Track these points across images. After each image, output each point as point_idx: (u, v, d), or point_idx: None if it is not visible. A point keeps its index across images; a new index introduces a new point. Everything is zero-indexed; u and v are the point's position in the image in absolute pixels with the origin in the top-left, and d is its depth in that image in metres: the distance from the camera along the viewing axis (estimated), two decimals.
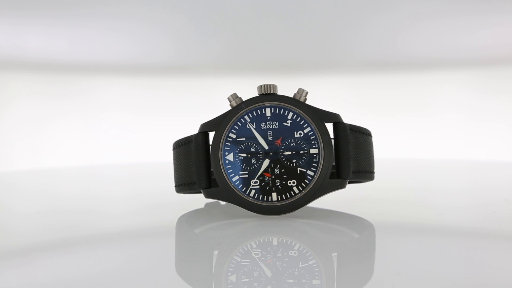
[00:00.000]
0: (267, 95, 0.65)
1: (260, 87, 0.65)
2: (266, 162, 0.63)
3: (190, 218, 0.70)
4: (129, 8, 1.62)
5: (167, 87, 1.69)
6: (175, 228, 0.66)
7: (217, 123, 0.64)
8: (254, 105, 0.64)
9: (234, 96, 0.65)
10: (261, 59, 1.69)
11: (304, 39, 1.68)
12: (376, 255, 0.54)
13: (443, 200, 0.83)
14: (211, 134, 0.66)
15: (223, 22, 1.66)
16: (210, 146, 0.65)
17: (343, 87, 1.65)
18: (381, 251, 0.55)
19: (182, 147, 0.67)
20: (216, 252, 0.55)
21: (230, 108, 0.65)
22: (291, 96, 0.65)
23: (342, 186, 0.65)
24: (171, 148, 0.71)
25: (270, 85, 0.65)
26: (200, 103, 1.69)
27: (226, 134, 0.64)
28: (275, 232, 0.61)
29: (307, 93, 0.65)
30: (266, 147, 0.64)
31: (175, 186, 0.70)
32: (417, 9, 1.62)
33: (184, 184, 0.67)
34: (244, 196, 0.63)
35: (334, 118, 0.65)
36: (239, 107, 0.64)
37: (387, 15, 1.63)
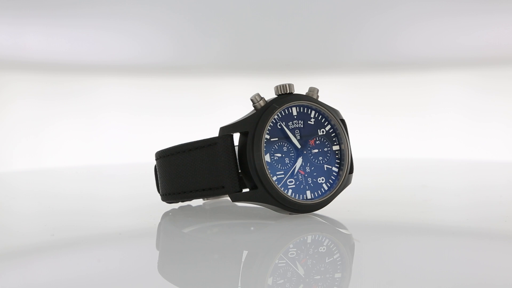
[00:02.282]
0: (288, 95, 0.64)
1: (278, 87, 0.64)
2: (300, 161, 0.64)
3: (195, 218, 0.70)
4: (129, 8, 1.62)
5: (167, 87, 1.69)
6: (179, 229, 0.66)
7: (247, 124, 0.62)
8: (286, 105, 0.63)
9: (259, 97, 0.63)
10: (261, 59, 1.69)
11: (304, 39, 1.68)
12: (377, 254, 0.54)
13: (442, 200, 0.83)
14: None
15: (223, 22, 1.66)
16: (241, 148, 0.62)
17: (343, 87, 1.65)
18: (382, 251, 0.55)
19: (199, 150, 0.63)
20: (246, 254, 0.55)
21: (253, 108, 0.63)
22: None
23: (350, 181, 0.67)
24: (163, 155, 0.66)
25: (289, 84, 0.64)
26: (200, 103, 1.69)
27: (264, 134, 0.62)
28: (306, 230, 0.62)
29: (318, 90, 0.66)
30: (299, 146, 0.64)
31: (176, 193, 0.65)
32: (417, 9, 1.62)
33: (202, 190, 0.63)
34: (287, 196, 0.61)
35: (339, 115, 0.67)
36: (273, 107, 0.62)
37: (387, 15, 1.63)
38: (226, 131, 0.62)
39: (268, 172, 0.61)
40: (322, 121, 0.65)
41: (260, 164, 0.60)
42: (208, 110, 1.66)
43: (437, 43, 1.65)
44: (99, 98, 1.66)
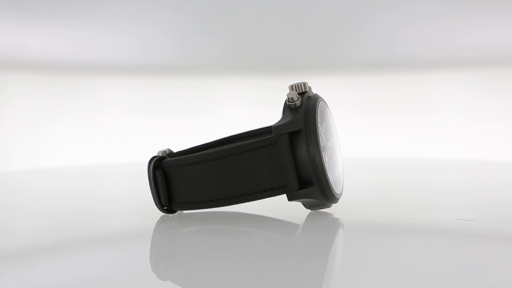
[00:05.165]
0: (305, 93, 0.64)
1: (294, 86, 0.63)
2: (326, 156, 0.63)
3: (201, 219, 0.70)
4: (129, 8, 1.62)
5: (167, 87, 1.69)
6: (184, 229, 0.66)
7: (299, 122, 0.60)
8: (318, 102, 0.63)
9: (296, 96, 0.62)
10: (261, 59, 1.69)
11: (304, 39, 1.68)
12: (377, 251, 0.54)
13: (442, 201, 0.83)
14: None
15: (223, 22, 1.66)
16: (301, 146, 0.60)
17: (343, 87, 1.65)
18: (382, 250, 0.55)
19: (260, 151, 0.60)
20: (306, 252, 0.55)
21: (287, 107, 0.62)
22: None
23: None
24: (209, 159, 0.62)
25: (304, 83, 0.64)
26: (200, 103, 1.69)
27: (318, 131, 0.62)
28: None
29: (310, 87, 0.67)
30: (325, 142, 0.64)
31: (230, 198, 0.62)
32: (417, 9, 1.62)
33: (264, 191, 0.61)
34: (334, 191, 0.62)
35: None
36: (313, 105, 0.62)
37: (387, 16, 1.64)
38: (283, 130, 0.60)
39: (326, 168, 0.60)
40: (322, 117, 0.66)
41: (320, 160, 0.60)
42: (208, 110, 1.66)
43: (437, 43, 1.65)
44: (99, 98, 1.66)
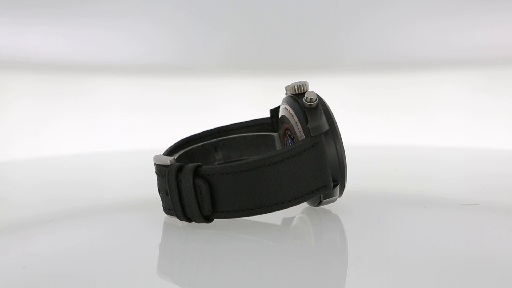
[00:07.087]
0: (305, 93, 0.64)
1: (295, 87, 0.63)
2: None
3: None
4: (130, 7, 1.62)
5: (167, 87, 1.69)
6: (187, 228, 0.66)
7: (325, 123, 0.61)
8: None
9: (315, 96, 0.62)
10: (262, 59, 1.70)
11: (304, 39, 1.68)
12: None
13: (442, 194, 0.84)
14: None
15: (225, 23, 1.66)
16: (330, 145, 0.61)
17: (343, 87, 1.66)
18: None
19: (307, 152, 0.60)
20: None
21: (304, 105, 0.62)
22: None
23: None
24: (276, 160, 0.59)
25: (304, 83, 0.64)
26: (200, 103, 1.69)
27: None
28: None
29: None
30: None
31: (286, 202, 0.61)
32: (417, 8, 1.62)
33: (311, 192, 0.61)
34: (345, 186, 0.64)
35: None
36: (327, 105, 0.63)
37: (387, 15, 1.64)
38: (320, 130, 0.60)
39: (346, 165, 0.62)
40: None
41: (344, 158, 0.62)
42: (208, 110, 1.66)
43: (437, 43, 1.65)
44: (100, 98, 1.66)
